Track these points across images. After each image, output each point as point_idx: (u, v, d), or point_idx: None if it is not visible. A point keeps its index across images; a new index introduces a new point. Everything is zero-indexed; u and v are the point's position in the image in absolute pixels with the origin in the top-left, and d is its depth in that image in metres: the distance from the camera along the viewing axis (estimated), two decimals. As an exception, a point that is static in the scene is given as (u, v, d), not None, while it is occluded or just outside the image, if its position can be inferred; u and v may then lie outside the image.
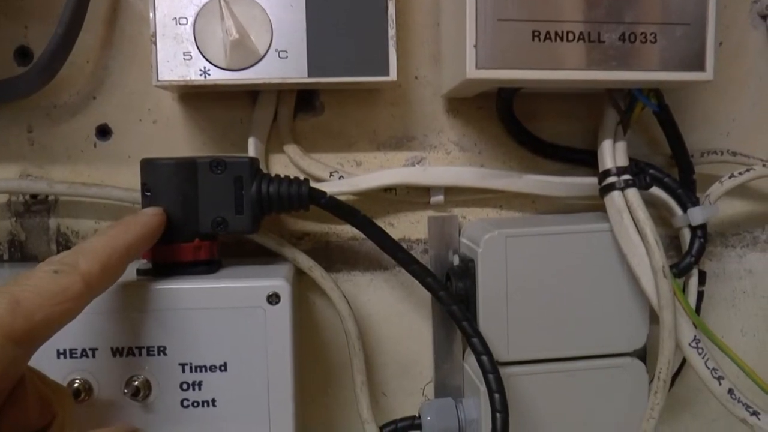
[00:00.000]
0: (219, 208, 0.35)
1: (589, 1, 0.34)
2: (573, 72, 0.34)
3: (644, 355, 0.41)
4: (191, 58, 0.36)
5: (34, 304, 0.23)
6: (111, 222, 0.41)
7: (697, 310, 0.42)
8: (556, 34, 0.33)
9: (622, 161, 0.38)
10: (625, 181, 0.38)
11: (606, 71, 0.34)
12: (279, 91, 0.40)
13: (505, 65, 0.33)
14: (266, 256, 0.40)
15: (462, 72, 0.33)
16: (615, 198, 0.38)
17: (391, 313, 0.42)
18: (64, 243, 0.41)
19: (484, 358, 0.36)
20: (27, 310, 0.23)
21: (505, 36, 0.33)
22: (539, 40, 0.33)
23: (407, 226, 0.42)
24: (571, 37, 0.34)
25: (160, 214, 0.32)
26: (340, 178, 0.40)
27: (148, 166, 0.35)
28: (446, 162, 0.42)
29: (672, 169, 0.42)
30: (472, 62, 0.33)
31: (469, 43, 0.33)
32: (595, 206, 0.41)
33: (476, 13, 0.33)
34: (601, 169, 0.39)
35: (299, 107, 0.41)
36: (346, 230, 0.41)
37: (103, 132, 0.41)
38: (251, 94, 0.40)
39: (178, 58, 0.36)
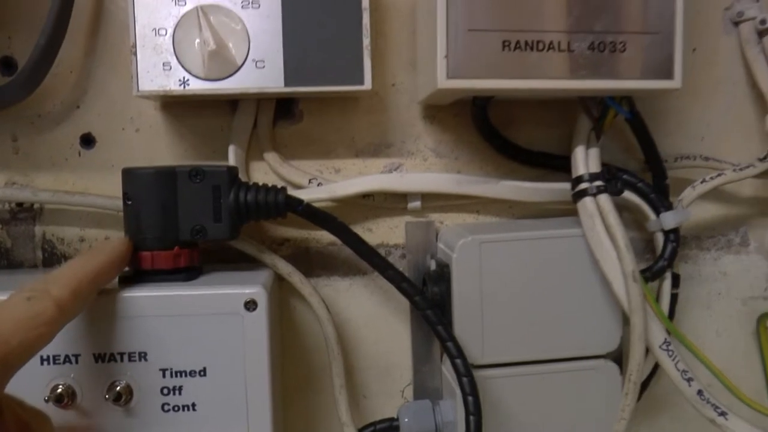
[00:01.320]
0: (198, 216, 0.36)
1: (558, 12, 0.34)
2: (543, 81, 0.35)
3: (620, 357, 0.42)
4: (171, 69, 0.37)
5: (9, 330, 0.24)
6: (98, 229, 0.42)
7: (672, 312, 0.43)
8: (526, 43, 0.34)
9: (595, 167, 0.39)
10: (597, 187, 0.38)
11: (576, 80, 0.35)
12: (258, 100, 0.41)
13: (476, 75, 0.34)
14: (248, 262, 0.41)
15: (434, 81, 0.34)
16: (587, 204, 0.38)
17: (371, 317, 0.43)
18: (49, 250, 0.42)
19: (458, 361, 0.36)
20: (2, 336, 0.23)
21: (475, 46, 0.34)
22: (509, 49, 0.34)
23: (385, 232, 0.43)
24: (541, 46, 0.34)
25: (126, 243, 0.34)
26: (318, 185, 0.41)
27: (128, 175, 0.36)
28: (424, 168, 0.42)
29: (647, 174, 0.43)
30: (443, 72, 0.34)
31: (440, 54, 0.33)
32: (571, 211, 0.41)
33: (447, 24, 0.33)
34: (573, 176, 0.39)
35: (278, 115, 0.42)
36: (326, 236, 0.42)
37: (87, 140, 0.42)
38: (231, 102, 0.41)
39: (158, 69, 0.37)
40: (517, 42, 0.34)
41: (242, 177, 0.41)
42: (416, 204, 0.42)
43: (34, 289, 0.26)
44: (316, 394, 0.43)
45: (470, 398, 0.36)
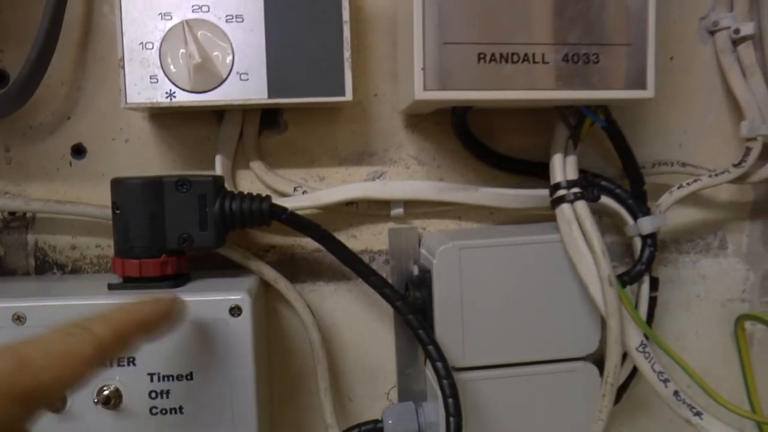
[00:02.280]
0: (185, 224, 0.37)
1: (533, 25, 0.35)
2: (518, 92, 0.36)
3: (601, 359, 0.43)
4: (157, 81, 0.38)
5: (40, 364, 0.22)
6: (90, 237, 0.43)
7: (651, 315, 0.44)
8: (501, 56, 0.35)
9: (572, 175, 0.40)
10: (575, 193, 0.39)
11: (550, 91, 0.36)
12: (244, 111, 0.42)
13: (453, 87, 0.35)
14: (236, 269, 0.42)
15: (412, 93, 0.35)
16: (564, 210, 0.39)
17: (356, 321, 0.44)
18: (41, 257, 0.43)
19: (439, 364, 0.37)
20: (32, 368, 0.22)
21: (451, 58, 0.35)
22: (485, 61, 0.35)
23: (369, 238, 0.44)
24: (516, 58, 0.35)
25: (179, 300, 0.32)
26: (303, 193, 0.42)
27: (117, 185, 0.37)
28: (406, 176, 0.43)
29: (625, 181, 0.44)
30: (420, 84, 0.35)
31: (417, 66, 0.35)
32: (551, 217, 0.42)
33: (423, 37, 0.35)
34: (552, 183, 0.40)
35: (264, 125, 0.43)
36: (311, 243, 0.43)
37: (78, 151, 0.43)
38: (218, 113, 0.42)
39: (145, 82, 0.38)
40: (493, 54, 0.35)
41: (229, 186, 0.42)
42: (399, 211, 0.43)
43: (75, 325, 0.25)
44: (302, 396, 0.44)
45: (450, 400, 0.37)
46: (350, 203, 0.42)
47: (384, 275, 0.43)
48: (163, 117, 0.42)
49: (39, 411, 0.23)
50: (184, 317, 0.31)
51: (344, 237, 0.43)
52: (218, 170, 0.41)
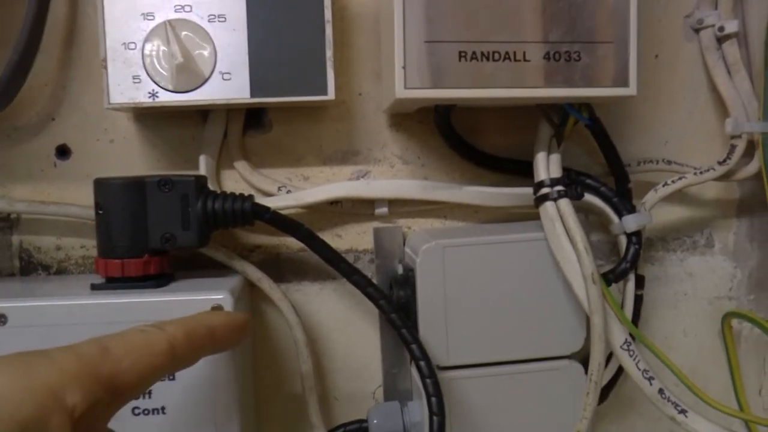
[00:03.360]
0: (167, 224, 0.37)
1: (513, 23, 0.35)
2: (500, 90, 0.36)
3: (587, 357, 0.43)
4: (140, 81, 0.38)
5: (120, 352, 0.24)
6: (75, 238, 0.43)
7: (637, 313, 0.44)
8: (482, 54, 0.35)
9: (556, 172, 0.40)
10: (558, 191, 0.39)
11: (532, 89, 0.36)
12: (228, 110, 0.42)
13: (433, 85, 0.35)
14: (222, 269, 0.42)
15: (393, 91, 0.35)
16: (548, 208, 0.39)
17: (341, 320, 0.44)
18: (26, 258, 0.43)
19: (422, 363, 0.37)
20: (114, 356, 0.24)
21: (432, 57, 0.35)
22: (466, 60, 0.35)
23: (354, 237, 0.44)
24: (497, 56, 0.35)
25: (246, 315, 0.33)
26: (287, 192, 0.42)
27: (99, 185, 0.37)
28: (391, 175, 0.43)
29: (610, 179, 0.44)
30: (401, 83, 0.35)
31: (398, 65, 0.34)
32: (536, 215, 0.42)
33: (404, 36, 0.34)
34: (535, 181, 0.40)
35: (248, 124, 0.43)
36: (296, 242, 0.42)
37: (63, 152, 0.43)
38: (202, 112, 0.42)
39: (128, 82, 0.38)
40: (474, 53, 0.35)
41: (213, 185, 0.42)
42: (383, 210, 0.43)
43: (151, 325, 0.27)
44: (287, 396, 0.44)
45: (434, 399, 0.37)
46: (334, 202, 0.42)
47: (369, 275, 0.43)
48: (148, 117, 0.42)
49: (118, 402, 0.24)
50: (249, 333, 0.32)
51: (329, 236, 0.43)
52: (202, 170, 0.41)
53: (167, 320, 0.28)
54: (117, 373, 0.24)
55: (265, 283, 0.41)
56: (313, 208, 0.42)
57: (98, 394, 0.23)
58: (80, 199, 0.42)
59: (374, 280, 0.43)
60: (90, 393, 0.22)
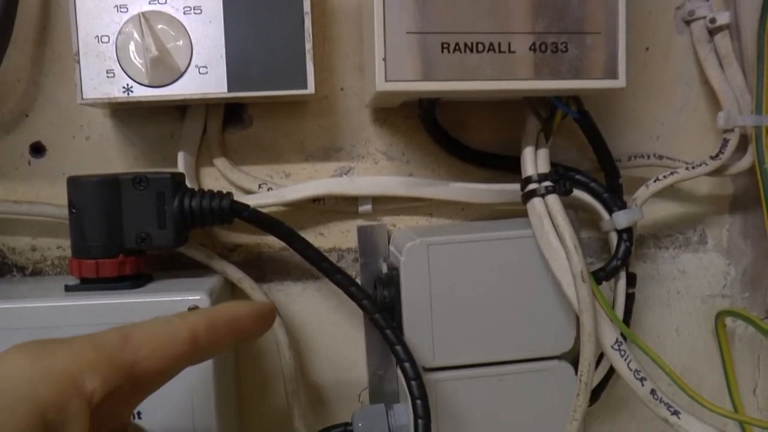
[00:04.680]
0: (143, 223, 0.36)
1: (498, 12, 0.34)
2: (484, 83, 0.34)
3: (577, 357, 0.41)
4: (114, 76, 0.37)
5: (141, 340, 0.24)
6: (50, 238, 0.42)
7: (628, 312, 0.43)
8: (466, 45, 0.34)
9: (544, 168, 0.39)
10: (546, 187, 0.38)
11: (517, 81, 0.35)
12: (207, 105, 0.41)
13: (415, 77, 0.34)
14: (203, 269, 0.40)
15: (374, 84, 0.34)
16: (536, 204, 0.38)
17: (325, 321, 0.43)
18: (0, 260, 0.42)
19: (407, 364, 0.36)
20: (134, 343, 0.24)
21: (413, 49, 0.34)
22: (449, 51, 0.34)
23: (337, 236, 0.43)
24: (480, 48, 0.34)
25: (273, 306, 0.32)
26: (268, 189, 0.41)
27: (72, 183, 0.36)
28: (375, 171, 0.42)
29: (600, 174, 0.43)
30: (381, 75, 0.33)
31: (378, 57, 0.33)
32: (525, 212, 0.41)
33: (384, 27, 0.33)
34: (523, 176, 0.39)
35: (228, 120, 0.42)
36: (278, 241, 0.41)
37: (37, 149, 0.41)
38: (180, 108, 0.41)
39: (102, 76, 0.37)
40: (457, 44, 0.34)
41: (193, 183, 0.41)
42: (367, 207, 0.41)
43: (172, 315, 0.27)
44: (271, 399, 0.43)
45: (419, 401, 0.36)
46: (317, 200, 0.41)
47: (353, 274, 0.42)
48: (125, 113, 0.41)
49: (140, 392, 0.24)
50: (273, 323, 0.31)
51: (312, 235, 0.42)
52: (181, 167, 0.40)
53: (190, 311, 0.28)
54: (136, 361, 0.23)
55: (246, 283, 0.40)
56: (295, 206, 0.41)
57: (117, 381, 0.23)
58: (55, 199, 0.41)
59: (358, 280, 0.42)
60: (109, 380, 0.22)
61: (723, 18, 0.42)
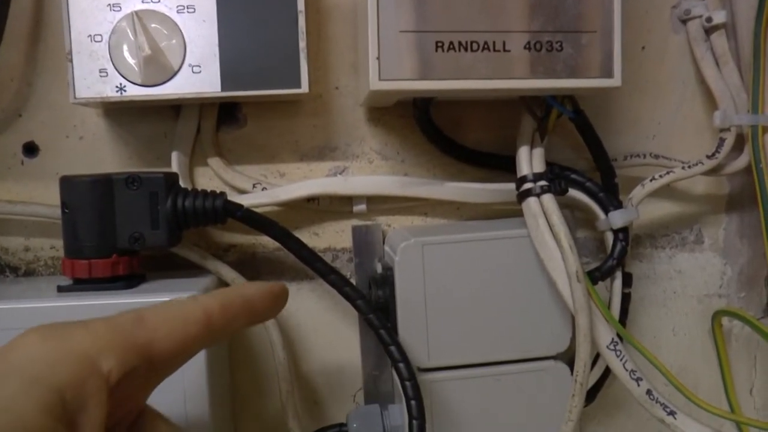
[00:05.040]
0: (136, 223, 0.36)
1: (492, 11, 0.34)
2: (479, 81, 0.34)
3: (573, 357, 0.41)
4: (107, 75, 0.36)
5: (155, 321, 0.24)
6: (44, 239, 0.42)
7: (624, 312, 0.42)
8: (460, 44, 0.34)
9: (539, 167, 0.39)
10: (541, 186, 0.38)
11: (512, 80, 0.35)
12: (201, 105, 0.41)
13: (409, 76, 0.34)
14: (196, 269, 0.40)
15: (368, 83, 0.34)
16: (531, 204, 0.38)
17: (320, 321, 0.43)
18: (-7, 260, 0.42)
19: (401, 365, 0.36)
20: (149, 324, 0.24)
21: (407, 47, 0.33)
22: (443, 50, 0.34)
23: (332, 236, 0.42)
24: (475, 47, 0.34)
25: (284, 286, 0.31)
26: (263, 189, 0.40)
27: (65, 183, 0.36)
28: (369, 171, 0.42)
29: (596, 174, 0.42)
30: (375, 74, 0.33)
31: (372, 55, 0.33)
32: (519, 211, 0.41)
33: (378, 25, 0.33)
34: (518, 176, 0.39)
35: (222, 120, 0.41)
36: (272, 241, 0.41)
37: (30, 149, 0.41)
38: (174, 107, 0.41)
39: (95, 75, 0.36)
40: (451, 42, 0.34)
41: (186, 183, 0.40)
42: (362, 207, 0.41)
43: (186, 297, 0.27)
44: (266, 399, 0.43)
45: (413, 402, 0.35)
46: (311, 200, 0.41)
47: (348, 274, 0.42)
48: (119, 113, 0.41)
49: (156, 375, 0.24)
50: (285, 304, 0.31)
51: (306, 235, 0.42)
52: (174, 167, 0.40)
53: (203, 294, 0.28)
54: (152, 341, 0.23)
55: (240, 283, 0.39)
56: (290, 206, 0.41)
57: (134, 362, 0.23)
58: (49, 199, 0.41)
59: (353, 280, 0.42)
60: (125, 360, 0.22)
61: (719, 17, 0.42)
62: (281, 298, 0.30)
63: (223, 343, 0.36)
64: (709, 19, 0.42)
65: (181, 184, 0.39)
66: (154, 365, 0.24)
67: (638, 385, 0.38)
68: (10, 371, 0.20)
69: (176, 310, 0.25)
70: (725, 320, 0.46)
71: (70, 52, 0.36)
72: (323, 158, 0.42)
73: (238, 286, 0.29)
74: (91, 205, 0.35)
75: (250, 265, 0.42)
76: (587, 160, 0.43)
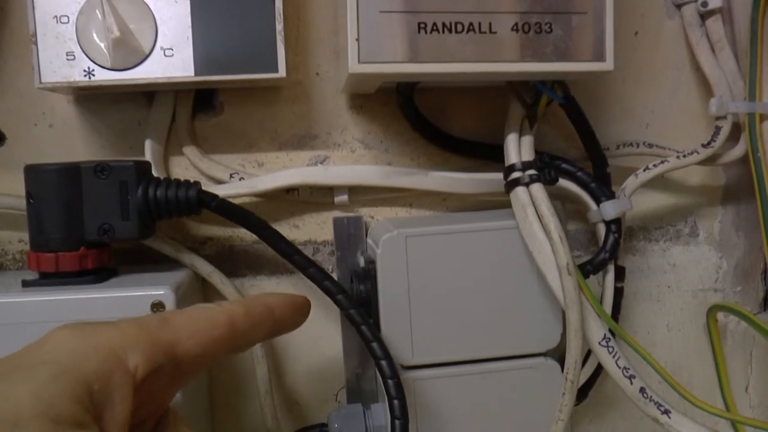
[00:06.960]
0: (105, 214, 0.34)
1: (478, -9, 0.32)
2: (464, 65, 0.33)
3: (564, 354, 0.40)
4: (75, 59, 0.35)
5: (180, 323, 0.25)
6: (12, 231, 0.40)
7: (617, 307, 0.41)
8: (444, 25, 0.32)
9: (528, 156, 0.37)
10: (530, 176, 0.37)
11: (499, 63, 0.33)
12: (176, 91, 0.39)
13: (390, 59, 0.32)
14: (172, 262, 0.39)
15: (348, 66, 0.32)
16: (519, 193, 0.37)
17: (301, 317, 0.41)
18: (-41, 253, 0.40)
19: (383, 362, 0.34)
20: (173, 326, 0.25)
21: (388, 29, 0.32)
22: (426, 32, 0.32)
23: (313, 228, 0.41)
24: (460, 28, 0.32)
25: (304, 297, 0.32)
26: (240, 179, 0.39)
27: (30, 172, 0.34)
28: (351, 160, 0.41)
29: (588, 163, 0.41)
30: (354, 57, 0.32)
31: (351, 37, 0.31)
32: (508, 202, 0.40)
33: (357, 5, 0.31)
34: (506, 165, 0.37)
35: (198, 107, 0.40)
36: (251, 234, 0.40)
37: (-3, 137, 0.39)
38: (148, 94, 0.39)
39: (61, 59, 0.35)
40: (434, 24, 0.32)
41: (161, 173, 0.39)
42: (343, 198, 0.40)
43: (211, 303, 0.28)
44: (245, 400, 0.41)
45: (396, 401, 0.34)
46: (291, 190, 0.39)
47: (329, 268, 0.41)
48: (90, 100, 0.39)
49: (181, 377, 0.25)
50: (307, 316, 0.31)
51: (286, 227, 0.40)
52: (148, 156, 0.38)
53: (227, 300, 0.29)
54: (177, 342, 0.24)
55: (216, 277, 0.38)
56: (268, 197, 0.39)
57: (159, 359, 0.23)
58: (16, 189, 0.39)
59: (334, 274, 0.40)
60: (151, 357, 0.23)
61: (715, 2, 0.41)
62: (303, 309, 0.31)
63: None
64: (704, 4, 0.41)
65: (155, 173, 0.37)
66: (178, 365, 0.24)
67: (631, 383, 0.36)
68: (41, 362, 0.21)
69: (200, 313, 0.26)
70: (721, 315, 0.45)
71: (35, 34, 0.34)
72: (303, 147, 0.40)
73: (260, 294, 0.31)
74: (57, 195, 0.34)
75: (228, 259, 0.40)
76: (578, 149, 0.42)
